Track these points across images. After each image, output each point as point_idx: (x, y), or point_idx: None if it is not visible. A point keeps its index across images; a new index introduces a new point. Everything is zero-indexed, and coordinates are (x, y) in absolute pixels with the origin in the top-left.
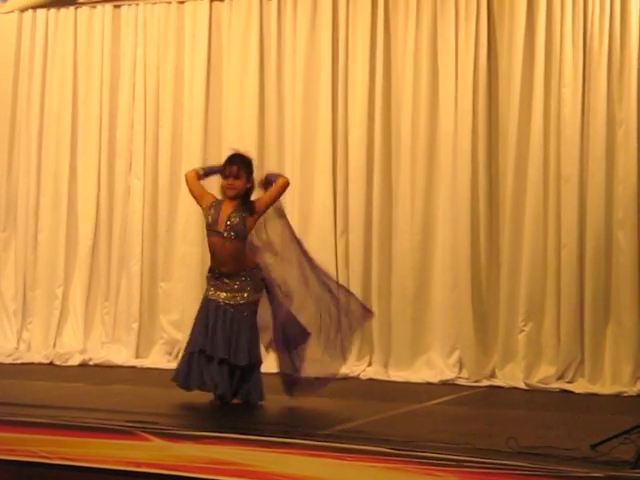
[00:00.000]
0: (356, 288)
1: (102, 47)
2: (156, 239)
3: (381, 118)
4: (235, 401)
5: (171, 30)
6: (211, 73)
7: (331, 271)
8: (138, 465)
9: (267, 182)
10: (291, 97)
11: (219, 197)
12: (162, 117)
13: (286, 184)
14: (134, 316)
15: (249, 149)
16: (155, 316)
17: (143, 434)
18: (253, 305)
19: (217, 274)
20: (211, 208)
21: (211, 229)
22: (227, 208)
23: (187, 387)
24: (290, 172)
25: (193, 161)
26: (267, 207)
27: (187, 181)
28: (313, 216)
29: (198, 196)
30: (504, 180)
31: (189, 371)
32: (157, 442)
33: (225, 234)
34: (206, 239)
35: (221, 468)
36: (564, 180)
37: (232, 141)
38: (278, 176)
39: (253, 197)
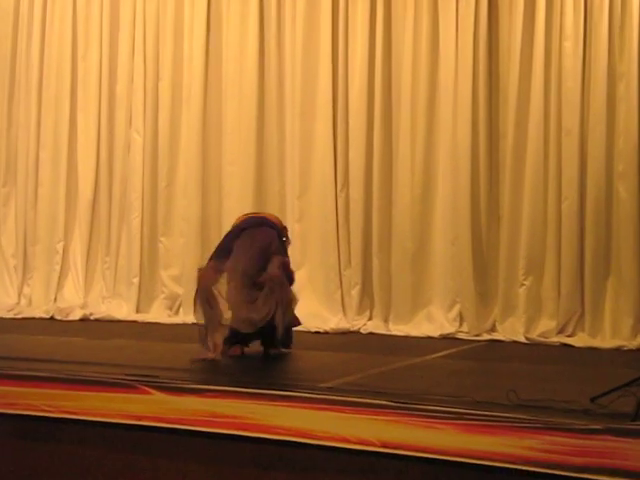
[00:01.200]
0: (356, 243)
1: (101, 0)
2: (156, 194)
3: (381, 71)
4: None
5: None
6: (211, 25)
7: (331, 226)
8: (139, 418)
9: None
10: (291, 49)
11: None
12: (162, 71)
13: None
14: (135, 271)
15: (249, 102)
16: (156, 271)
17: (144, 387)
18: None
19: None
20: None
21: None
22: None
23: None
24: (290, 126)
25: (193, 116)
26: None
27: None
28: (313, 171)
29: None
30: (505, 133)
31: None
32: (158, 395)
33: None
34: None
35: (222, 421)
36: (565, 133)
37: (232, 95)
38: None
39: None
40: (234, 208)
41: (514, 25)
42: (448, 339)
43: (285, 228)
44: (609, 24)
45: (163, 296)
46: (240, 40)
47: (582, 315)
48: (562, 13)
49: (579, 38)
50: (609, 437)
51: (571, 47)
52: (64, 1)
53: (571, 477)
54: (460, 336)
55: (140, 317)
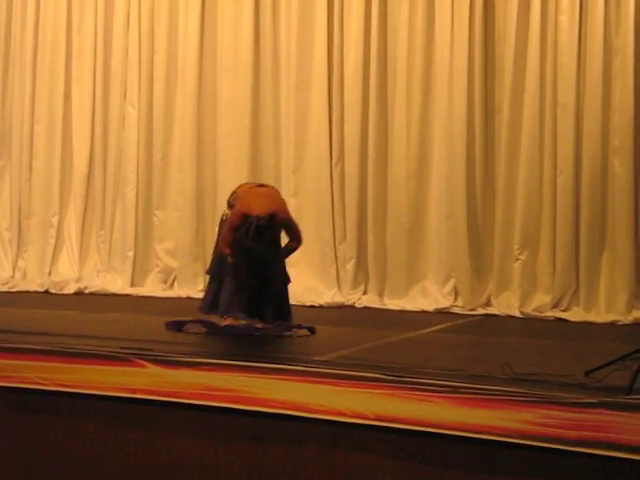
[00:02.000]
0: (352, 217)
1: None
2: (151, 167)
3: (377, 45)
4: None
5: None
6: None
7: (326, 200)
8: (133, 392)
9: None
10: (287, 21)
11: None
12: (157, 44)
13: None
14: (129, 244)
15: (244, 75)
16: (150, 244)
17: (138, 361)
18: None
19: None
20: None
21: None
22: None
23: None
24: (285, 100)
25: (188, 88)
26: None
27: None
28: (308, 145)
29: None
30: (500, 107)
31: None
32: (152, 369)
33: None
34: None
35: (217, 394)
36: (560, 108)
37: (227, 68)
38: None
39: None
40: (229, 181)
41: None
42: (443, 313)
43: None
44: None
45: (158, 269)
46: (235, 12)
47: (577, 290)
48: None
49: (575, 12)
50: (604, 411)
51: (567, 21)
52: None
53: (566, 450)
54: (455, 310)
55: (135, 291)
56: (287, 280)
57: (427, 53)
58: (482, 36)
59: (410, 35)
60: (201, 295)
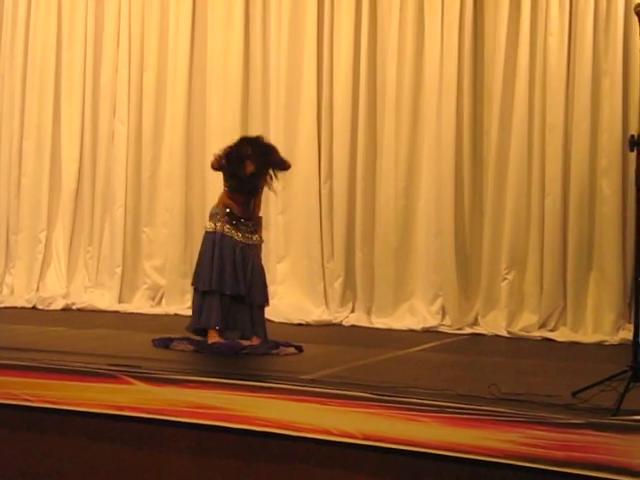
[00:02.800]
0: (340, 235)
1: None
2: (140, 184)
3: (366, 65)
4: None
5: None
6: (196, 16)
7: (315, 218)
8: (120, 409)
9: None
10: (276, 41)
11: None
12: (146, 62)
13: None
14: (117, 261)
15: (233, 93)
16: (138, 261)
17: (126, 378)
18: (260, 248)
19: (233, 216)
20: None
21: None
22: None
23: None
24: (275, 117)
25: (177, 106)
26: None
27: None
28: (297, 163)
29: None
30: (489, 128)
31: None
32: (139, 386)
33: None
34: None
35: (204, 412)
36: (549, 129)
37: (216, 86)
38: None
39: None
40: (217, 199)
41: (499, 20)
42: (430, 332)
43: None
44: (594, 20)
45: (145, 286)
46: (225, 32)
47: (564, 310)
48: (547, 8)
49: (564, 34)
50: (590, 431)
51: (556, 43)
52: None
53: (552, 471)
54: (442, 329)
55: (122, 307)
56: (266, 300)
57: (416, 74)
58: (471, 57)
59: (399, 56)
60: (189, 312)
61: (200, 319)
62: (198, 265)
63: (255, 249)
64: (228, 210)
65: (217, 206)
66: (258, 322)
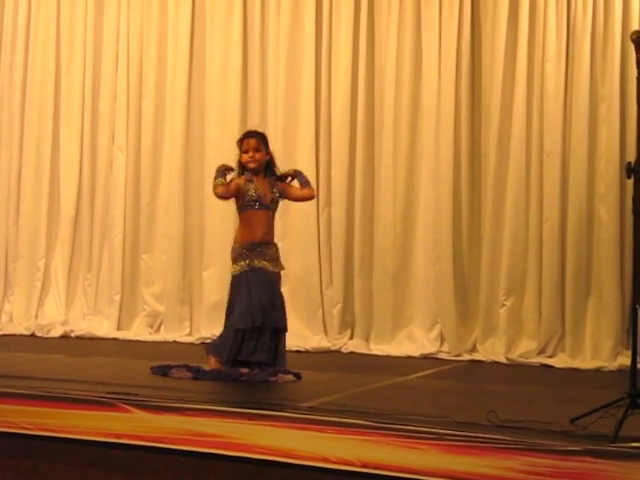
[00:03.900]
0: (338, 262)
1: (85, 17)
2: (138, 211)
3: (364, 90)
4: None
5: (154, 0)
6: (194, 43)
7: (313, 244)
8: (119, 437)
9: (293, 176)
10: (274, 68)
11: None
12: (145, 88)
13: (311, 197)
14: (116, 288)
15: (232, 119)
16: (137, 288)
17: (124, 406)
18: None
19: (255, 245)
20: (247, 184)
21: (259, 202)
22: (262, 184)
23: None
24: (273, 144)
25: (176, 132)
26: (291, 199)
27: (221, 195)
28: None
29: (234, 192)
30: (486, 154)
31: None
32: (138, 414)
33: (272, 207)
34: (241, 213)
35: (203, 440)
36: (546, 154)
37: (215, 112)
38: (308, 183)
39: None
40: (216, 226)
41: (496, 46)
42: (429, 359)
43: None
44: (591, 46)
45: (144, 313)
46: (223, 59)
47: (562, 336)
48: (544, 34)
49: (561, 60)
50: (588, 459)
51: (553, 68)
52: (47, 18)
53: None
54: (441, 356)
55: (121, 334)
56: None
57: (414, 98)
58: (469, 82)
59: (397, 81)
60: (188, 339)
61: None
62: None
63: (278, 275)
64: (244, 244)
65: (235, 244)
66: (279, 349)
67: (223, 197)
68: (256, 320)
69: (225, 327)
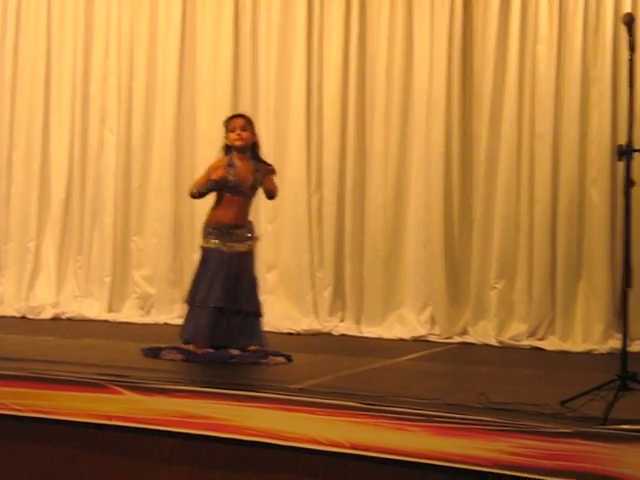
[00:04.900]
0: (329, 244)
1: (76, 0)
2: (129, 193)
3: (355, 74)
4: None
5: None
6: (186, 25)
7: (304, 227)
8: (109, 418)
9: (273, 171)
10: (265, 52)
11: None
12: (135, 71)
13: (276, 195)
14: (107, 270)
15: (223, 103)
16: (128, 270)
17: (115, 387)
18: (253, 253)
19: (227, 227)
20: (228, 168)
21: (236, 190)
22: (244, 167)
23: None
24: (264, 128)
25: (167, 115)
26: (265, 188)
27: (195, 194)
28: (287, 172)
29: (211, 174)
30: (478, 137)
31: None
32: (129, 395)
33: (249, 193)
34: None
35: (193, 422)
36: (538, 137)
37: (206, 95)
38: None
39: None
40: (206, 208)
41: (488, 28)
42: (420, 341)
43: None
44: (583, 29)
45: (135, 296)
46: (214, 42)
47: (553, 319)
48: (536, 17)
49: (553, 42)
50: (579, 441)
51: (545, 51)
52: (38, 2)
53: None
54: (432, 339)
55: (112, 316)
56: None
57: (405, 81)
58: (460, 64)
59: (388, 65)
60: (179, 321)
61: (184, 332)
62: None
63: (249, 255)
64: (214, 225)
65: (206, 222)
66: (253, 331)
67: (197, 192)
68: (223, 300)
69: (192, 308)
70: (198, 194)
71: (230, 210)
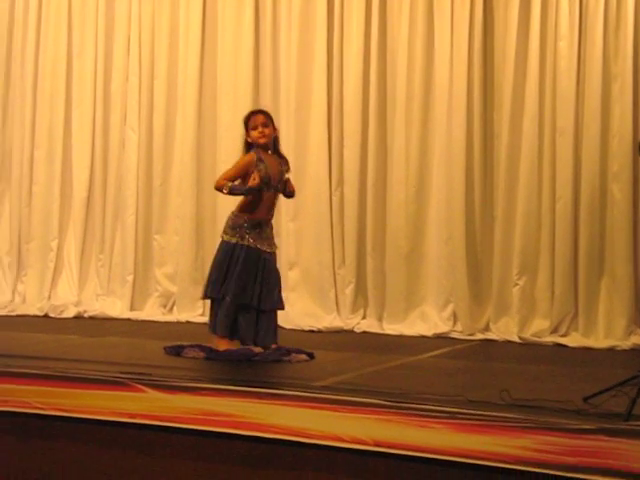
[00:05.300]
0: (351, 241)
1: None
2: (151, 191)
3: (376, 70)
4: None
5: None
6: (206, 24)
7: (326, 225)
8: (132, 416)
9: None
10: (286, 48)
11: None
12: (157, 69)
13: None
14: (129, 269)
15: (244, 100)
16: (150, 269)
17: (137, 385)
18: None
19: (256, 223)
20: (258, 163)
21: (269, 185)
22: (272, 162)
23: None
24: (285, 125)
25: (188, 113)
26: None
27: (225, 192)
28: (308, 170)
29: (242, 171)
30: (499, 133)
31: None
32: (151, 393)
33: (279, 188)
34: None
35: (216, 419)
36: (559, 133)
37: (227, 93)
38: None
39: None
40: (228, 206)
41: (509, 24)
42: (442, 338)
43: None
44: (604, 24)
45: (157, 294)
46: (235, 39)
47: (575, 315)
48: (557, 13)
49: (574, 38)
50: (602, 437)
51: (566, 47)
52: (59, 1)
53: (564, 477)
54: (454, 335)
55: (134, 315)
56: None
57: (426, 78)
58: (481, 61)
59: (409, 61)
60: (201, 319)
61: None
62: (211, 274)
63: (274, 255)
64: (248, 220)
65: (236, 217)
66: (273, 328)
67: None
68: (250, 297)
69: (222, 301)
70: (229, 193)
71: (263, 205)
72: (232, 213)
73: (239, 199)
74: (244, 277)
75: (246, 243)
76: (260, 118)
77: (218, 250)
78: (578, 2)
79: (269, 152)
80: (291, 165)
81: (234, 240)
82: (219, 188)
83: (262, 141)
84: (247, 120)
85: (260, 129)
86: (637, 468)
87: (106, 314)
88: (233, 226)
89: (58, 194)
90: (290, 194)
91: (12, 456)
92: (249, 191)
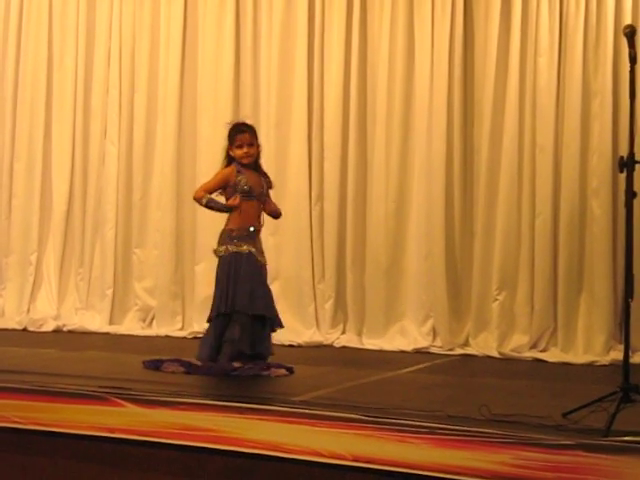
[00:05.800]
0: (330, 256)
1: (77, 11)
2: (130, 205)
3: (357, 84)
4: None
5: None
6: (187, 38)
7: (305, 239)
8: (111, 431)
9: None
10: (267, 63)
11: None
12: (137, 83)
13: (279, 215)
14: (108, 282)
15: (224, 113)
16: (129, 283)
17: (117, 400)
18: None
19: (247, 231)
20: (238, 175)
21: (250, 194)
22: (252, 176)
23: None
24: (265, 138)
25: (168, 127)
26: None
27: (204, 205)
28: (288, 184)
29: (221, 183)
30: (479, 149)
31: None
32: (131, 408)
33: (261, 199)
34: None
35: (195, 434)
36: (539, 149)
37: (207, 106)
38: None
39: None
40: (208, 220)
41: (489, 40)
42: (421, 353)
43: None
44: (584, 41)
45: (136, 308)
46: (216, 53)
47: (555, 330)
48: (537, 29)
49: (554, 54)
50: (581, 452)
51: (546, 63)
52: (39, 12)
53: None
54: (433, 350)
55: (113, 329)
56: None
57: (407, 92)
58: (461, 77)
59: (390, 76)
60: (180, 334)
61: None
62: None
63: (264, 267)
64: (237, 229)
65: (227, 229)
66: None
67: (203, 197)
68: (235, 303)
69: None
70: (206, 206)
71: (250, 214)
72: (222, 230)
73: (223, 215)
74: (248, 284)
75: (246, 251)
76: (246, 137)
77: (217, 267)
78: (558, 18)
79: (250, 168)
80: (271, 179)
81: (223, 250)
82: (197, 199)
83: (246, 161)
84: (233, 136)
85: (246, 149)
86: None
87: (85, 328)
88: (223, 240)
89: (37, 207)
90: (275, 215)
91: None
92: (226, 209)
